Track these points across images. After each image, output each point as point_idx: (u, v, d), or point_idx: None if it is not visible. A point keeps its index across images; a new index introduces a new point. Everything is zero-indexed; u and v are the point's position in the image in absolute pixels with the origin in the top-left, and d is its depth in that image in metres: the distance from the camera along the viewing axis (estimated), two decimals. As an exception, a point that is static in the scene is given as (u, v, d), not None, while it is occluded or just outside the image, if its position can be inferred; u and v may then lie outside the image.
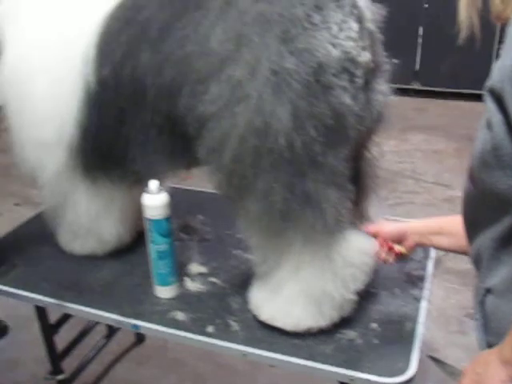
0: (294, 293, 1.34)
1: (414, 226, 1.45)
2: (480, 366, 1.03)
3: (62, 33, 1.48)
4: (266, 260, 1.37)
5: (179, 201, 1.60)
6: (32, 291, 1.58)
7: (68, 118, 1.48)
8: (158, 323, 1.44)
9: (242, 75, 1.21)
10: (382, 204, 1.56)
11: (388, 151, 4.05)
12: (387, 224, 1.45)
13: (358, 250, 1.35)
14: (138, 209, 1.51)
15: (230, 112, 1.23)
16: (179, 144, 1.41)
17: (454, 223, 1.32)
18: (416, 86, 5.13)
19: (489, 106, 0.95)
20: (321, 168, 1.23)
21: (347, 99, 1.21)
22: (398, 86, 1.36)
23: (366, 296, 1.47)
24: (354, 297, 1.37)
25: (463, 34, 1.07)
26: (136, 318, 1.46)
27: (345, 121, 1.22)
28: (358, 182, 1.40)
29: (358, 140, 1.31)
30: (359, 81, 1.24)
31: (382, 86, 1.32)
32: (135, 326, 1.47)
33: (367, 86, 1.27)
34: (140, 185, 1.54)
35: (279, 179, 1.23)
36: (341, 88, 1.20)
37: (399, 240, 1.42)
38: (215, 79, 1.25)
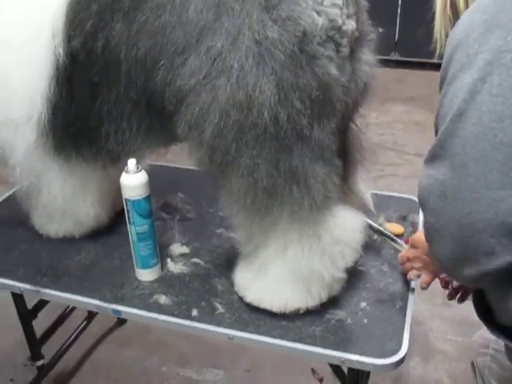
0: (281, 272, 1.31)
1: None
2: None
3: (27, 2, 1.39)
4: (251, 239, 1.33)
5: (158, 179, 1.55)
6: (7, 277, 1.50)
7: (36, 94, 1.40)
8: (139, 308, 1.40)
9: (223, 46, 1.16)
10: (370, 177, 1.53)
11: (369, 123, 4.00)
12: None
13: (346, 226, 1.31)
14: (115, 188, 1.46)
15: (210, 85, 1.18)
16: (156, 120, 1.35)
17: None
18: (395, 56, 5.07)
19: None
20: (307, 142, 1.19)
21: (333, 69, 1.17)
22: (378, 57, 1.33)
23: (354, 274, 1.44)
24: (343, 275, 1.34)
25: (439, 49, 1.11)
26: (117, 302, 1.41)
27: (331, 92, 1.18)
28: (345, 155, 1.36)
29: (345, 112, 1.27)
30: (345, 50, 1.20)
31: (368, 56, 1.29)
32: (116, 312, 1.42)
33: (353, 55, 1.23)
34: (116, 163, 1.49)
35: (263, 155, 1.19)
36: (326, 58, 1.16)
37: None
38: (194, 51, 1.19)
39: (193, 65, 1.19)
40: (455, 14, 1.04)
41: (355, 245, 1.33)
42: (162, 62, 1.24)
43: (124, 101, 1.34)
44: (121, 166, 1.42)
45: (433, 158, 0.94)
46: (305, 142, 1.19)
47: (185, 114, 1.23)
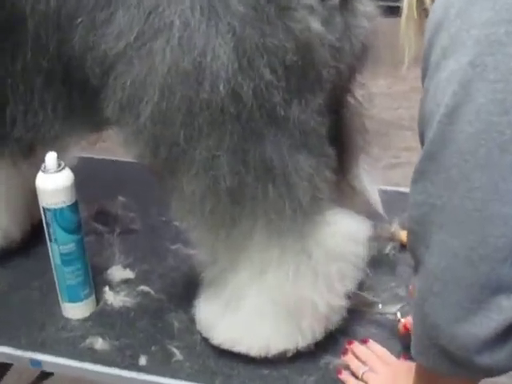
0: (259, 304, 1.31)
1: None
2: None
3: None
4: (216, 260, 1.33)
5: (89, 177, 1.57)
6: None
7: None
8: (67, 356, 1.39)
9: None
10: (378, 168, 1.53)
11: (378, 94, 4.01)
12: None
13: (344, 236, 1.31)
14: (30, 192, 1.45)
15: (144, 50, 1.19)
16: (78, 97, 1.36)
17: None
18: (411, 3, 5.12)
19: None
20: (284, 126, 1.20)
21: (315, 24, 1.17)
22: (384, 3, 1.34)
23: (358, 303, 1.43)
24: (343, 302, 1.33)
25: (407, 57, 1.12)
26: (36, 349, 1.41)
27: (314, 55, 1.18)
28: (341, 141, 1.37)
29: (337, 83, 1.27)
30: None
31: (366, 6, 1.29)
32: (35, 362, 1.41)
33: (345, 5, 1.23)
34: (30, 157, 1.50)
35: (224, 145, 1.19)
36: (305, 8, 1.16)
37: None
38: (121, 3, 1.20)
39: (121, 22, 1.20)
40: (423, 12, 1.06)
41: (358, 261, 1.33)
42: (79, 19, 1.24)
43: (33, 71, 1.34)
44: (37, 162, 1.41)
45: (422, 176, 0.94)
46: (280, 126, 1.19)
47: (113, 90, 1.24)
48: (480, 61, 0.85)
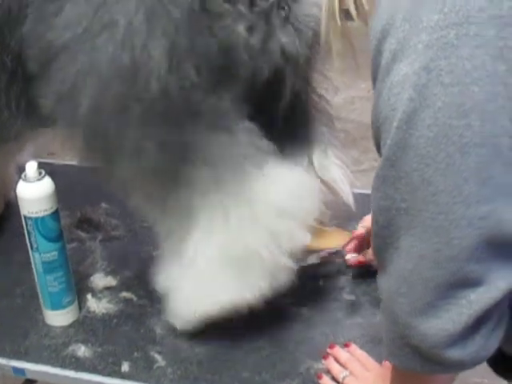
0: (209, 260, 1.33)
1: None
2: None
3: None
4: (171, 233, 1.37)
5: (71, 184, 1.58)
6: None
7: None
8: (50, 363, 1.38)
9: None
10: (348, 163, 1.54)
11: (358, 97, 4.02)
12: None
13: (289, 190, 1.34)
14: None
15: (90, 43, 1.21)
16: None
17: None
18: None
19: None
20: (203, 115, 1.26)
21: (240, 29, 1.22)
22: None
23: (339, 306, 1.46)
24: (289, 263, 1.33)
25: (337, 60, 1.15)
26: (18, 357, 1.40)
27: (234, 56, 1.23)
28: (308, 131, 1.42)
29: (280, 77, 1.31)
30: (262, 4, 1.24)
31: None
32: (18, 370, 1.40)
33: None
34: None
35: (152, 136, 1.25)
36: (234, 14, 1.21)
37: None
38: None
39: (69, 15, 1.22)
40: (345, 15, 1.08)
41: (306, 217, 1.34)
42: (29, 10, 1.27)
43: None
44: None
45: (384, 182, 0.93)
46: (202, 116, 1.25)
47: (53, 81, 1.26)
48: (434, 65, 0.84)
